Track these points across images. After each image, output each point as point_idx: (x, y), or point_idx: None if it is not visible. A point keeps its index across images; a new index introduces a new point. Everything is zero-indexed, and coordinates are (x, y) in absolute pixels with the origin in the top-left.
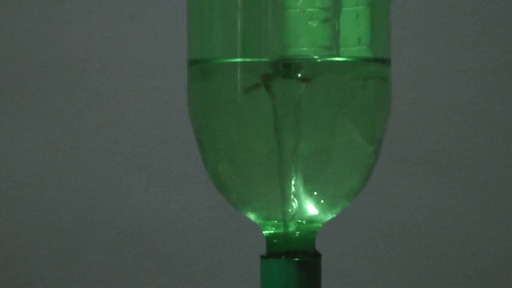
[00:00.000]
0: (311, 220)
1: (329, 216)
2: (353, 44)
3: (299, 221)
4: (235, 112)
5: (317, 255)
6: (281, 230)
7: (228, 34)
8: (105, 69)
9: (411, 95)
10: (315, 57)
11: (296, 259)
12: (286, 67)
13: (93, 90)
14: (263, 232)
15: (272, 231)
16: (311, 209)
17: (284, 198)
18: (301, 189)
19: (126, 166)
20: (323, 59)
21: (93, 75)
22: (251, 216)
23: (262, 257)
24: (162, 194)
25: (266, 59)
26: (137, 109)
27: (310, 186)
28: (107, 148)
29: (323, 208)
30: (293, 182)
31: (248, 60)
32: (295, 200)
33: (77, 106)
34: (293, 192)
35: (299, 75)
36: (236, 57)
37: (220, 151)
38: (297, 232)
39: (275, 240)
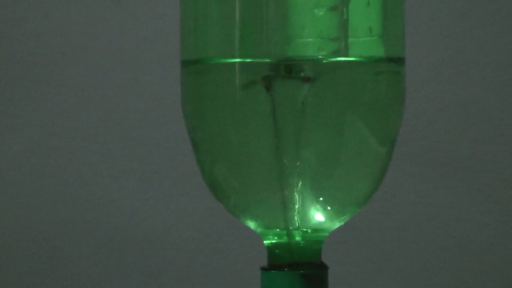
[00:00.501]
0: (317, 229)
1: (336, 224)
2: (363, 34)
3: (304, 229)
4: (233, 110)
5: (323, 267)
6: (284, 240)
7: (226, 25)
8: (90, 62)
9: (427, 90)
10: (320, 57)
11: (301, 271)
12: (288, 68)
13: (77, 84)
14: (264, 242)
15: (274, 241)
16: (317, 216)
17: (286, 204)
18: (305, 195)
19: (113, 169)
20: (328, 59)
21: (77, 68)
22: (251, 225)
23: (263, 269)
24: (153, 200)
25: (267, 60)
26: (126, 106)
27: (316, 191)
28: (92, 148)
29: (330, 216)
30: (296, 186)
31: (247, 60)
32: (299, 207)
33: (58, 101)
34: (297, 198)
35: (302, 75)
36: (234, 54)
37: (216, 153)
38: (302, 242)
39: (277, 251)
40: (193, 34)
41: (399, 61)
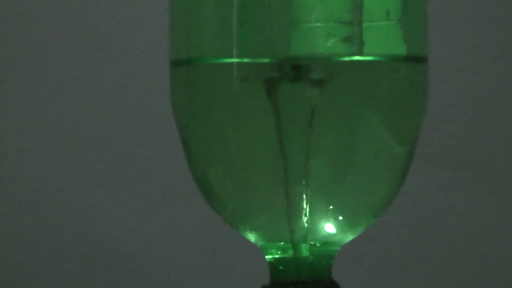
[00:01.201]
0: (327, 242)
1: (349, 237)
2: (380, 18)
3: (312, 242)
4: (231, 103)
5: (334, 286)
6: (289, 255)
7: (223, 11)
8: (63, 49)
9: (453, 81)
10: (331, 55)
11: None
12: (295, 68)
13: (51, 75)
14: (266, 257)
15: (277, 256)
16: (327, 227)
17: (292, 213)
18: (314, 202)
19: (92, 173)
20: (340, 58)
21: (49, 56)
22: (251, 237)
23: None
24: (138, 209)
25: (267, 59)
26: (107, 100)
27: (326, 198)
28: (67, 150)
29: (342, 227)
30: (303, 193)
31: (245, 60)
32: (307, 216)
33: (28, 95)
34: (304, 206)
35: (312, 77)
36: (232, 47)
37: (211, 154)
38: (310, 257)
39: (281, 267)
40: (184, 27)
41: (422, 60)
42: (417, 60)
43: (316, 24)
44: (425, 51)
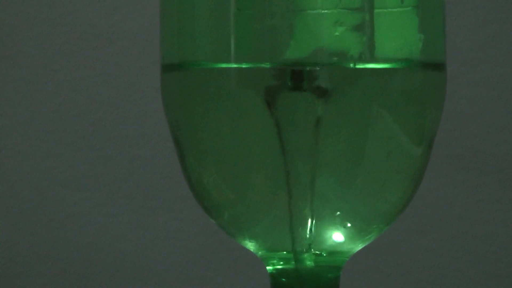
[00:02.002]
0: (333, 251)
1: (359, 246)
2: (393, 4)
3: (317, 252)
4: (227, 99)
5: None
6: (291, 266)
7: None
8: (43, 44)
9: (473, 76)
10: (338, 61)
11: None
12: (297, 76)
13: (26, 67)
14: (267, 268)
15: (279, 267)
16: (334, 236)
17: (294, 220)
18: (319, 208)
19: (73, 176)
20: (348, 65)
21: (26, 46)
22: (250, 246)
23: None
24: (125, 216)
25: (267, 64)
26: (90, 94)
27: (333, 203)
28: (47, 150)
29: (350, 235)
30: (308, 197)
31: (244, 66)
32: (311, 223)
33: (5, 90)
34: (309, 212)
35: (316, 86)
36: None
37: (206, 155)
38: (315, 268)
39: (283, 279)
40: (176, 27)
41: (440, 67)
42: (434, 66)
43: (323, 11)
44: (443, 43)
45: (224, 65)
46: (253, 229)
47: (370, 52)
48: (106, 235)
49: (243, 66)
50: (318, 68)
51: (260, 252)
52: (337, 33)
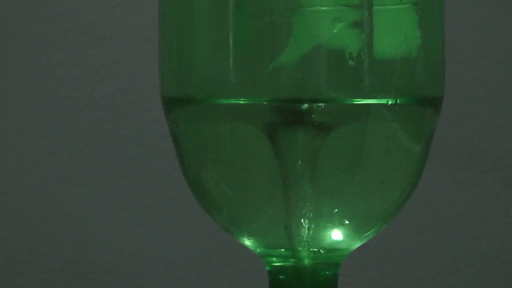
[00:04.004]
0: (332, 249)
1: (357, 244)
2: (392, 1)
3: (315, 249)
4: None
5: None
6: (290, 263)
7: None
8: (41, 36)
9: (473, 71)
10: (338, 96)
11: None
12: (297, 111)
13: (24, 64)
14: (265, 265)
15: (277, 264)
16: (332, 233)
17: (291, 217)
18: (316, 206)
19: (71, 173)
20: (349, 101)
21: (25, 43)
22: (249, 244)
23: None
24: (123, 213)
25: (265, 100)
26: (88, 92)
27: (331, 201)
28: (44, 147)
29: (349, 233)
30: (306, 194)
31: (242, 102)
32: (309, 221)
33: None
34: (306, 209)
35: (315, 121)
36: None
37: (204, 150)
38: (313, 266)
39: (282, 277)
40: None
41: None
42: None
43: (321, 8)
44: (442, 40)
45: (223, 101)
46: (252, 227)
47: (369, 49)
48: (104, 233)
49: (241, 102)
50: (317, 105)
51: (258, 250)
52: (335, 30)
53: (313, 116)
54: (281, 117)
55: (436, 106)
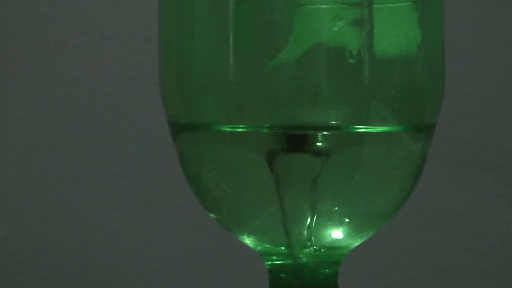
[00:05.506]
0: (332, 247)
1: (357, 241)
2: None
3: (315, 248)
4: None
5: None
6: (290, 261)
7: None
8: (42, 34)
9: (473, 69)
10: (337, 124)
11: None
12: (296, 139)
13: (24, 62)
14: (265, 263)
15: (278, 262)
16: (332, 231)
17: (290, 215)
18: (317, 204)
19: (71, 171)
20: (349, 129)
21: (25, 41)
22: (249, 242)
23: None
24: (123, 211)
25: (266, 127)
26: (88, 90)
27: (331, 199)
28: (44, 145)
29: (348, 231)
30: (304, 193)
31: (240, 129)
32: (309, 219)
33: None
34: (305, 208)
35: (314, 147)
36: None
37: (204, 148)
38: (313, 264)
39: (282, 275)
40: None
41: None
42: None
43: (321, 6)
44: (442, 39)
45: (225, 128)
46: (251, 225)
47: (369, 47)
48: (104, 231)
49: (240, 130)
50: (316, 133)
51: (258, 248)
52: (335, 28)
53: (311, 142)
54: (281, 144)
55: (437, 101)
